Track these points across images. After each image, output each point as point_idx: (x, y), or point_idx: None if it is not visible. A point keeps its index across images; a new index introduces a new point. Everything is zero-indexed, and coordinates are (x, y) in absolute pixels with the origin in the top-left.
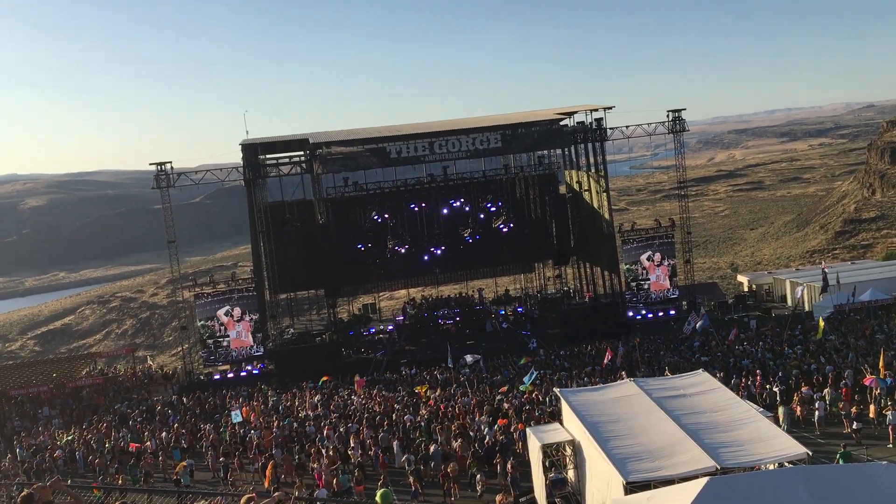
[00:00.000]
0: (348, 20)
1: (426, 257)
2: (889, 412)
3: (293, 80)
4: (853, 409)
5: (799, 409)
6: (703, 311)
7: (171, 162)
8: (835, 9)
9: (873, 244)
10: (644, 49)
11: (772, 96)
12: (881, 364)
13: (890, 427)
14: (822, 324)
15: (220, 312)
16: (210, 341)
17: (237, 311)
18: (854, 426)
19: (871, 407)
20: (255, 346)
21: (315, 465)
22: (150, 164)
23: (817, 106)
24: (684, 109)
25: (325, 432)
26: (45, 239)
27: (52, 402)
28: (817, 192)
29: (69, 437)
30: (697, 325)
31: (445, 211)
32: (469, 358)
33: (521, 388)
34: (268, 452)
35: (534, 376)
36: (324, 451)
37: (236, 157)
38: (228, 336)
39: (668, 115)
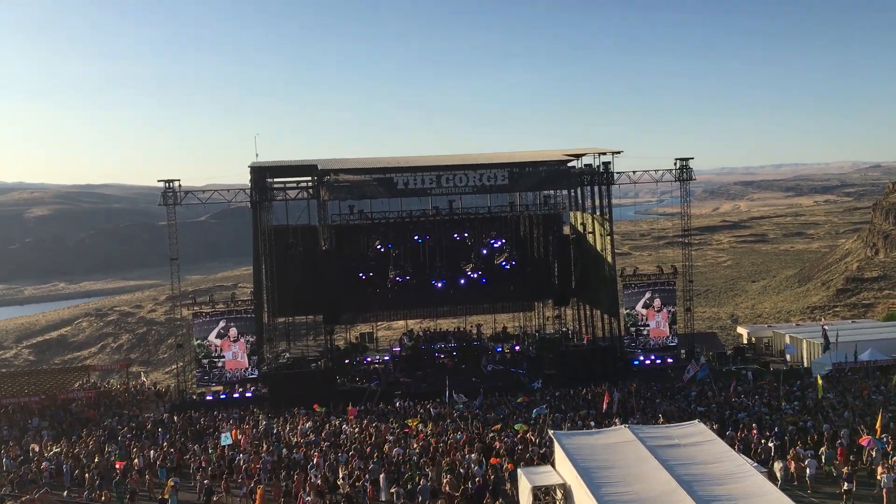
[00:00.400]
0: (364, 52)
1: (427, 290)
2: (883, 475)
3: (305, 106)
4: (845, 469)
5: (793, 465)
6: (702, 360)
7: (179, 180)
8: (845, 70)
9: (874, 304)
10: (654, 96)
11: (779, 151)
12: (878, 425)
13: (884, 490)
14: (820, 382)
15: (212, 335)
16: (205, 361)
17: (233, 332)
18: (845, 487)
19: (874, 468)
20: (249, 369)
21: (301, 494)
22: (159, 181)
23: (824, 163)
24: (692, 158)
25: (315, 460)
26: (48, 248)
27: (42, 412)
28: (820, 248)
29: (57, 450)
30: (696, 374)
31: (449, 244)
32: (462, 396)
33: (534, 415)
34: (256, 477)
35: (544, 411)
36: (312, 479)
37: (243, 178)
38: (224, 357)
39: (675, 164)
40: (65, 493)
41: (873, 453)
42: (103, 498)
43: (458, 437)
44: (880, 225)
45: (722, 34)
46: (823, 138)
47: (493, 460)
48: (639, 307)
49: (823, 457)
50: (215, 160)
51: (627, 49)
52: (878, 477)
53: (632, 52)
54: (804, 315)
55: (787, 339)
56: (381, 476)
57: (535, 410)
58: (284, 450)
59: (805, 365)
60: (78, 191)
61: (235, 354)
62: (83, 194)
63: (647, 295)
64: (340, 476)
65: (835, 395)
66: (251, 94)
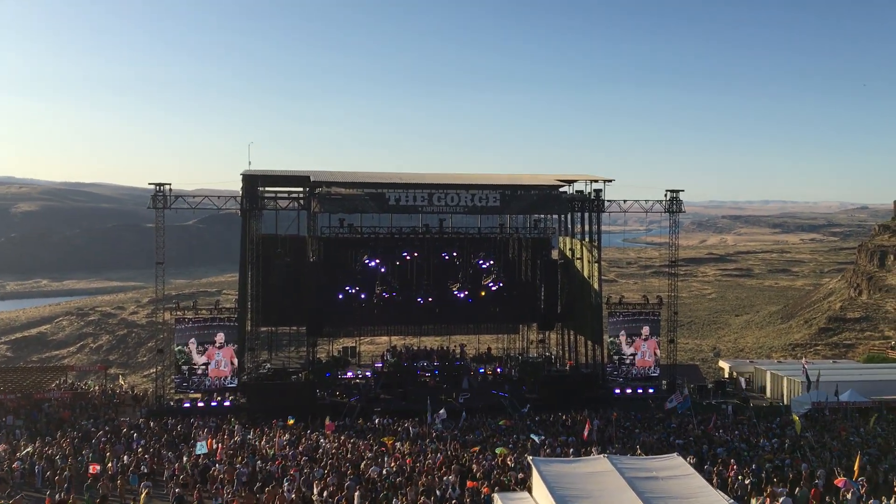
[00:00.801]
0: (360, 66)
1: (412, 307)
2: None
3: (299, 117)
4: None
5: (768, 502)
6: (685, 392)
7: (170, 184)
8: (838, 111)
9: (856, 344)
10: (647, 126)
11: (768, 187)
12: (856, 466)
13: None
14: (797, 419)
15: (191, 343)
16: (185, 367)
17: (220, 338)
18: None
19: None
20: (229, 378)
21: None
22: (150, 184)
23: (812, 202)
24: (682, 190)
25: (291, 472)
26: (33, 245)
27: (17, 411)
28: (805, 286)
29: (29, 450)
30: (679, 406)
31: (437, 263)
32: (443, 412)
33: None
34: (231, 488)
35: (542, 438)
36: (286, 493)
37: (234, 184)
38: (208, 364)
39: (665, 195)
40: (47, 495)
41: (848, 496)
42: (71, 502)
43: (436, 457)
44: (865, 266)
45: (719, 67)
46: (812, 177)
47: (469, 483)
48: (622, 336)
49: (798, 495)
50: (207, 165)
51: (621, 78)
52: None
53: (627, 82)
54: (786, 352)
55: (770, 377)
56: (357, 494)
57: (532, 435)
58: (259, 462)
59: (785, 402)
60: (66, 188)
61: (219, 363)
62: (71, 192)
63: (634, 324)
64: (315, 492)
65: (813, 434)
66: (246, 101)
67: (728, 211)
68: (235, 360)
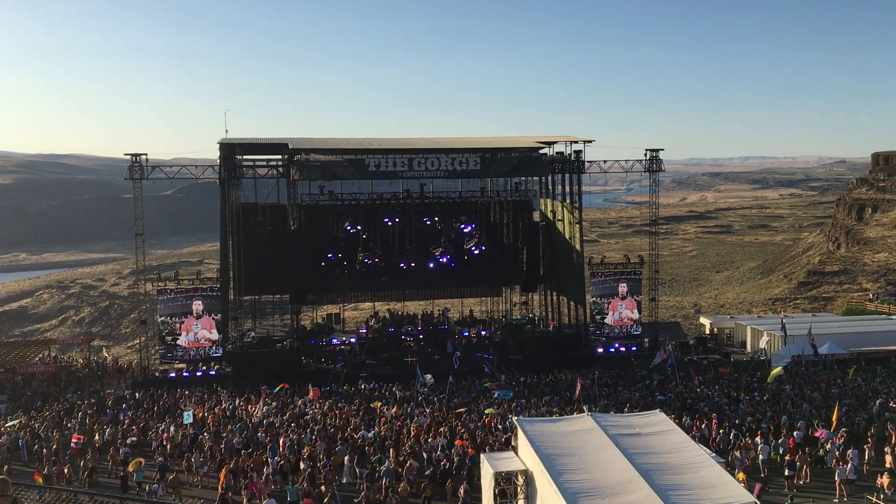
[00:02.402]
0: (338, 29)
1: (395, 272)
2: (837, 467)
3: (277, 83)
4: (786, 457)
5: (746, 454)
6: (669, 349)
7: (146, 154)
8: (815, 65)
9: (834, 297)
10: (626, 85)
11: (747, 143)
12: (834, 418)
13: (837, 481)
14: (774, 371)
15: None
16: (169, 338)
17: (197, 307)
18: (787, 473)
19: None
20: (214, 347)
21: (263, 472)
22: (125, 155)
23: (791, 157)
24: (662, 150)
25: (280, 440)
26: (10, 218)
27: (1, 386)
28: (784, 240)
29: (14, 422)
30: (665, 361)
31: (419, 228)
32: (429, 377)
33: (496, 397)
34: (219, 456)
35: (509, 395)
36: (274, 459)
37: (212, 153)
38: (193, 332)
39: (645, 154)
40: (35, 469)
41: (827, 446)
42: (65, 471)
43: (423, 420)
44: (843, 220)
45: (695, 27)
46: (791, 132)
47: (457, 442)
48: (604, 295)
49: (774, 446)
50: (184, 134)
51: (602, 37)
52: (833, 465)
53: (607, 41)
54: (766, 306)
55: (750, 332)
56: (345, 458)
57: (497, 393)
58: (247, 430)
59: (767, 356)
60: (42, 160)
61: (198, 335)
62: (47, 164)
63: (614, 284)
64: (304, 457)
65: (793, 387)
66: (222, 68)
67: (708, 168)
68: (215, 331)
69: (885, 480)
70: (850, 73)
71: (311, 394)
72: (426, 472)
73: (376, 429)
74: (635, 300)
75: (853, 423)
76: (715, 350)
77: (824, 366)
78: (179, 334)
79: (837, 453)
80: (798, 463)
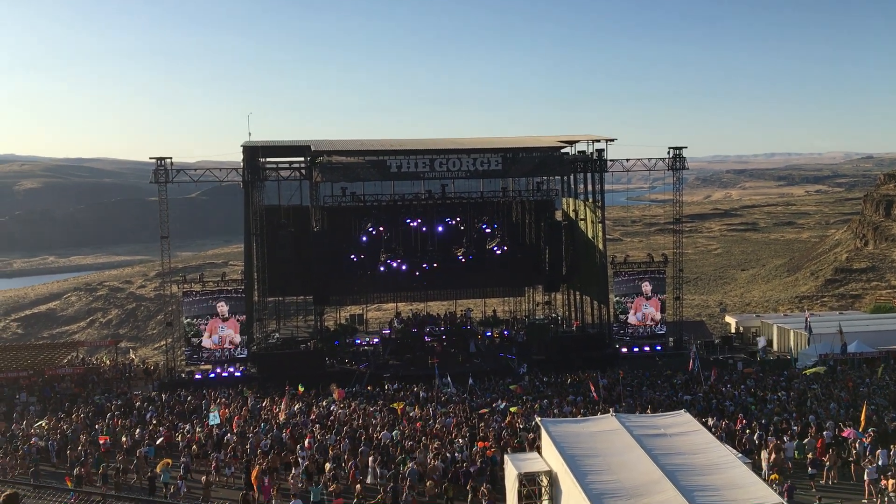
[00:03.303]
0: (360, 29)
1: (417, 273)
2: (866, 467)
3: (299, 85)
4: (809, 455)
5: (774, 455)
6: (693, 349)
7: (171, 157)
8: (840, 61)
9: (862, 295)
10: (650, 83)
11: (772, 140)
12: (863, 417)
13: (867, 482)
14: (815, 368)
15: (210, 314)
16: (195, 339)
17: (223, 309)
18: (810, 471)
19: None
20: (239, 348)
21: (292, 472)
22: (151, 158)
23: (816, 153)
24: (685, 147)
25: (305, 441)
26: (38, 222)
27: (30, 388)
28: (811, 238)
29: (41, 423)
30: (694, 363)
31: (440, 228)
32: (448, 379)
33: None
34: (246, 458)
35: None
36: (300, 460)
37: (236, 156)
38: (218, 334)
39: (668, 152)
40: (66, 473)
41: (856, 446)
42: (94, 473)
43: (447, 421)
44: (870, 216)
45: (718, 22)
46: (816, 128)
47: (479, 444)
48: (628, 295)
49: (804, 445)
50: (208, 137)
51: (625, 36)
52: (863, 466)
53: (629, 39)
54: (793, 304)
55: (776, 331)
56: (370, 459)
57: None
58: (273, 430)
59: (793, 355)
60: (68, 164)
61: (223, 339)
62: (74, 168)
63: (638, 283)
64: (329, 457)
65: (821, 386)
66: (247, 71)
67: (732, 165)
68: (238, 334)
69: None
70: (877, 68)
71: (335, 394)
72: (450, 473)
73: (401, 429)
74: (659, 299)
75: (882, 422)
76: (741, 349)
77: (852, 364)
78: (203, 335)
79: (867, 453)
80: (827, 463)
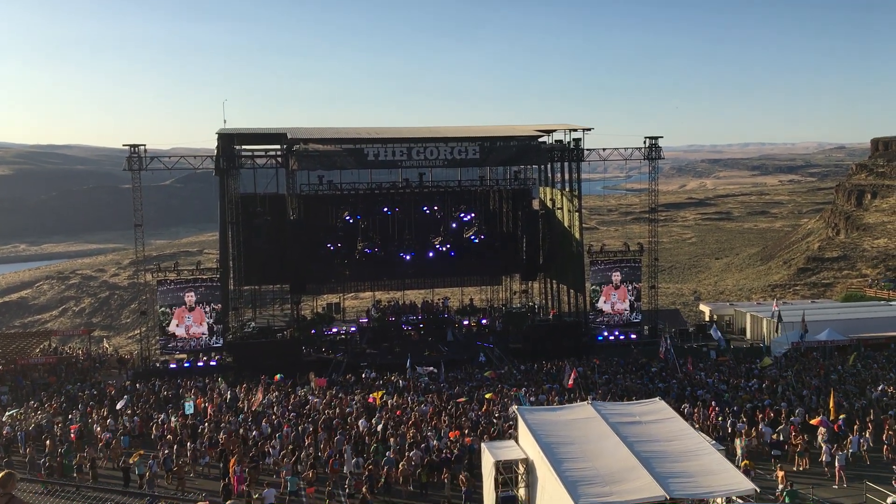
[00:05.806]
0: (337, 18)
1: (394, 261)
2: (837, 454)
3: (275, 73)
4: (774, 437)
5: (753, 441)
6: (665, 337)
7: (144, 145)
8: (813, 51)
9: (834, 283)
10: (625, 72)
11: (746, 130)
12: (831, 405)
13: (837, 468)
14: (767, 361)
15: (178, 304)
16: (169, 328)
17: (190, 299)
18: (772, 452)
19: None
20: (214, 338)
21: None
22: (124, 145)
23: (790, 143)
24: (661, 137)
25: (283, 430)
26: (9, 209)
27: (2, 377)
28: (783, 227)
29: (13, 412)
30: (668, 351)
31: (418, 217)
32: (420, 368)
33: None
34: (220, 448)
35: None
36: (275, 448)
37: (211, 143)
38: (184, 325)
39: (644, 142)
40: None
41: (824, 432)
42: (66, 463)
43: (423, 409)
44: (842, 206)
45: (694, 13)
46: (790, 118)
47: (452, 434)
48: (604, 284)
49: (779, 432)
50: (182, 124)
51: (601, 26)
52: (822, 457)
53: (605, 29)
54: (765, 293)
55: (749, 319)
56: (346, 447)
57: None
58: (249, 420)
59: (766, 343)
60: (40, 151)
61: (188, 327)
62: (46, 154)
63: (612, 272)
64: (305, 445)
65: (793, 374)
66: (220, 58)
67: (707, 155)
68: (205, 324)
69: None
70: (849, 59)
71: (314, 383)
72: (426, 461)
73: (377, 417)
74: (629, 288)
75: (852, 409)
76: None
77: (824, 352)
78: (183, 324)
79: (831, 443)
80: (799, 448)
